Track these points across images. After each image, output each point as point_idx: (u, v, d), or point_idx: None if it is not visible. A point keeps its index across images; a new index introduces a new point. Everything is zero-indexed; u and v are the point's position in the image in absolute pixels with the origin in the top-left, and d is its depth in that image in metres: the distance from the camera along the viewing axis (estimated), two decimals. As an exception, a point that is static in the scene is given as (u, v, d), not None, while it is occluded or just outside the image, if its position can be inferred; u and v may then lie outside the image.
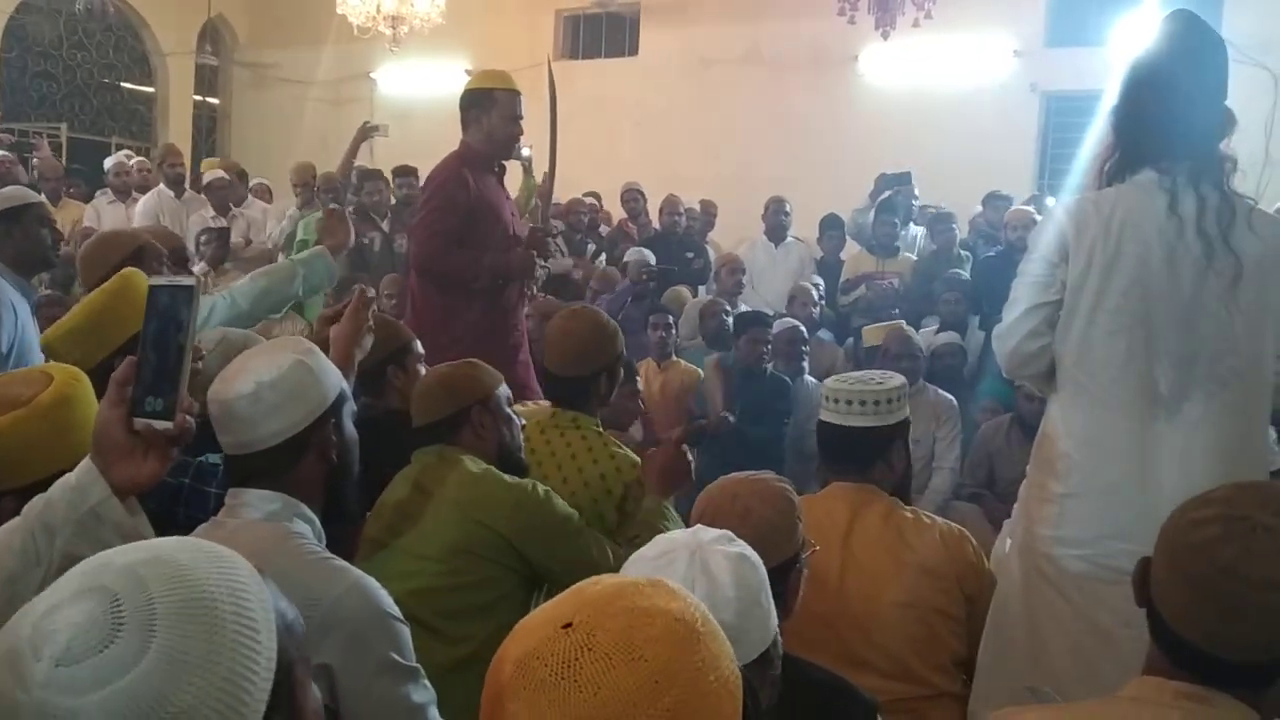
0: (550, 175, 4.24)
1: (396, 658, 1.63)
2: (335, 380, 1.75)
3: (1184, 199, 2.09)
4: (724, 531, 1.46)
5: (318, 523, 1.72)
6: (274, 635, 0.81)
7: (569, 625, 0.89)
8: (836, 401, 2.36)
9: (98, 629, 0.75)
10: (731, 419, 4.61)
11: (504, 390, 2.41)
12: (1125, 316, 2.10)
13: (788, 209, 6.78)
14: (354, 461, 1.79)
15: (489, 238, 3.81)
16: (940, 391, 4.79)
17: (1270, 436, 2.26)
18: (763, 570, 1.43)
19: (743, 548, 1.43)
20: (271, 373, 1.64)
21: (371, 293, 2.29)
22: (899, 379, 2.41)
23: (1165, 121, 2.13)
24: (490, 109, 3.83)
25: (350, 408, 1.80)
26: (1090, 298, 2.13)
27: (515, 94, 3.87)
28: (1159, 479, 2.06)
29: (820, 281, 6.28)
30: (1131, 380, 2.11)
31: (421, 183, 6.78)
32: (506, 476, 2.25)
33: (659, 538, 1.45)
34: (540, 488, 2.26)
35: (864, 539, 2.25)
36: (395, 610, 1.65)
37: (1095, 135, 2.96)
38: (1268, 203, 4.59)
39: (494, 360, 2.57)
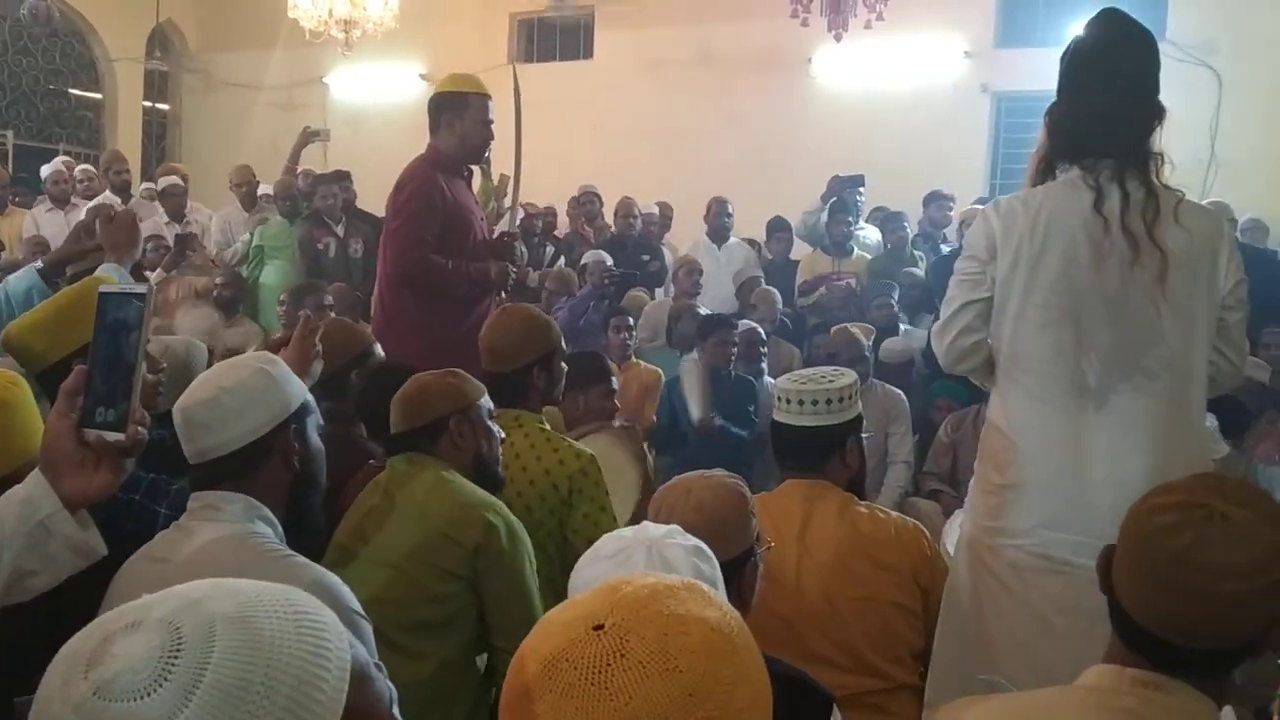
0: (516, 179, 4.24)
1: None
2: (298, 390, 1.77)
3: (1109, 195, 2.12)
4: (672, 526, 1.47)
5: (279, 527, 1.73)
6: None
7: (600, 627, 0.85)
8: (789, 401, 2.38)
9: (145, 674, 0.71)
10: (718, 420, 4.60)
11: (486, 402, 2.39)
12: (1052, 311, 2.15)
13: (730, 210, 6.77)
14: (319, 472, 1.81)
15: (464, 243, 3.78)
16: (888, 387, 4.88)
17: (1211, 425, 2.30)
18: (716, 562, 1.45)
19: (695, 540, 1.44)
20: (230, 379, 1.68)
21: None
22: (850, 376, 2.43)
23: (1087, 118, 2.17)
24: (463, 113, 3.79)
25: (315, 420, 1.81)
26: (1018, 294, 2.18)
27: (487, 98, 3.85)
28: (1091, 470, 2.10)
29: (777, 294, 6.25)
30: (1060, 373, 2.15)
31: (359, 185, 6.76)
32: (482, 492, 2.24)
33: (608, 535, 1.46)
34: (515, 524, 2.23)
35: (819, 535, 2.27)
36: (358, 606, 1.66)
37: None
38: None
39: (468, 367, 2.55)
